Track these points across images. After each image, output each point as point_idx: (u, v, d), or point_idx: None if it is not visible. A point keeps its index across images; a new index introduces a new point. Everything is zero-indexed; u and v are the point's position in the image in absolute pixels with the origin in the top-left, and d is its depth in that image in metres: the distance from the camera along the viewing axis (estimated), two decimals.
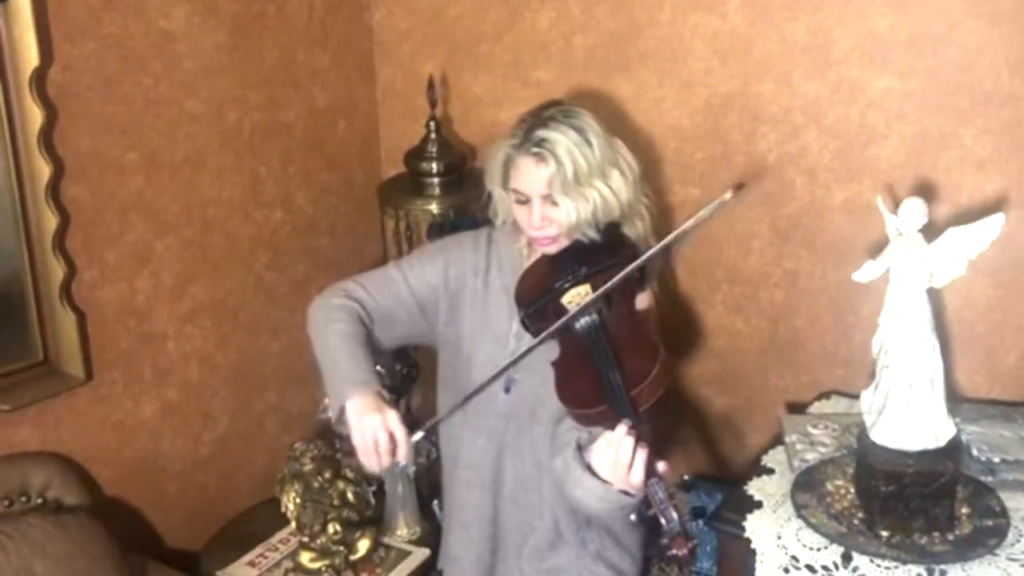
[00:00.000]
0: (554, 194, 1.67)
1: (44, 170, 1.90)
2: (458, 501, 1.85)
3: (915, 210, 1.55)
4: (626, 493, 1.50)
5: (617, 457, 1.48)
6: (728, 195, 1.61)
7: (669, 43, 2.20)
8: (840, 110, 2.05)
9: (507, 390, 1.74)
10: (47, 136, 1.90)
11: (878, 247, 1.63)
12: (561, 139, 1.67)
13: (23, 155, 1.89)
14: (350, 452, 2.23)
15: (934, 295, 1.62)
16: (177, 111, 2.17)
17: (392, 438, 1.58)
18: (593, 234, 1.71)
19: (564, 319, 1.60)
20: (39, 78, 1.87)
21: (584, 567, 1.78)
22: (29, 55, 1.84)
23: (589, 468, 1.52)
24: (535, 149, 1.68)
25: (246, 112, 2.31)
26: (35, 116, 1.87)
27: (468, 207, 2.27)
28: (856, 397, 1.75)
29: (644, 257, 1.64)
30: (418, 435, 1.62)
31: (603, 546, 1.79)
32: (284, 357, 2.49)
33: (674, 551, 1.46)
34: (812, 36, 2.04)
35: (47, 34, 1.88)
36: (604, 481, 1.50)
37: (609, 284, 1.60)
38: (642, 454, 1.47)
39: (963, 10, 1.89)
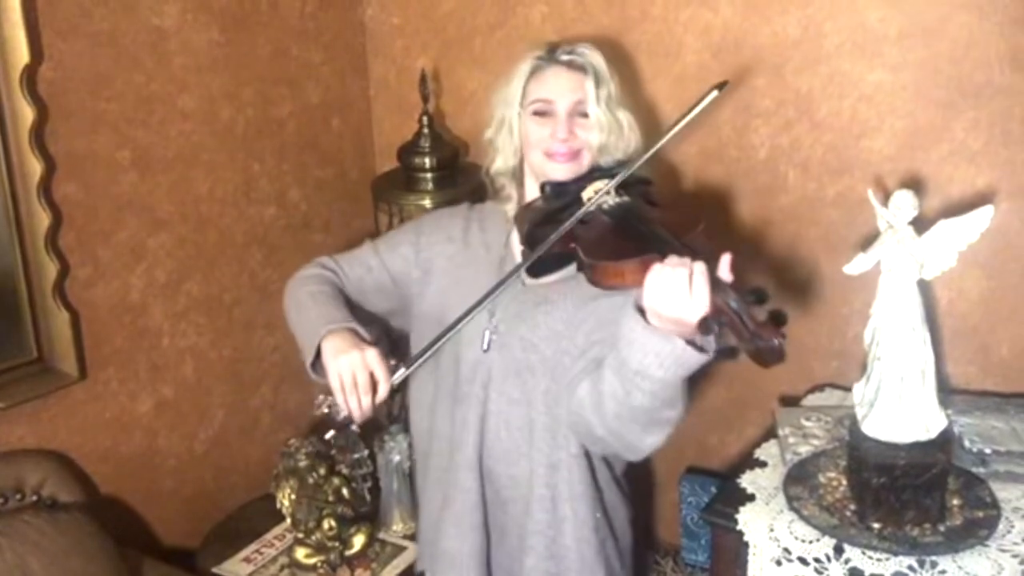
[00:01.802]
0: (588, 104, 1.63)
1: (36, 168, 1.90)
2: (447, 489, 1.72)
3: (905, 202, 1.55)
4: (692, 344, 1.35)
5: (672, 280, 1.30)
6: (714, 93, 1.55)
7: (661, 37, 2.20)
8: (832, 103, 2.06)
9: (486, 349, 1.65)
10: (38, 134, 1.89)
11: (870, 240, 1.64)
12: (595, 55, 1.67)
13: (14, 153, 1.89)
14: (344, 448, 2.26)
15: (925, 287, 1.62)
16: (169, 108, 2.16)
17: (372, 376, 1.50)
18: (610, 162, 1.66)
19: (595, 200, 1.51)
20: (30, 76, 1.86)
21: (587, 553, 1.68)
22: (19, 53, 1.84)
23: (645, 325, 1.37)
24: (567, 57, 1.67)
25: (239, 108, 2.31)
26: (26, 114, 1.87)
27: (461, 202, 2.26)
28: (849, 389, 1.75)
29: (654, 149, 1.59)
30: (401, 372, 1.53)
31: (607, 535, 1.72)
32: (279, 353, 2.50)
33: (773, 341, 1.27)
34: (804, 30, 2.05)
35: (37, 31, 1.88)
36: (662, 337, 1.35)
37: (630, 169, 1.54)
38: (700, 267, 1.30)
39: (954, 3, 1.89)
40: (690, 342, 1.35)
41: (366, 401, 1.51)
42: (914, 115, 1.98)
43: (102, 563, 1.92)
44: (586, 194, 1.61)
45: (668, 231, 1.44)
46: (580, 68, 1.66)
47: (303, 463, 2.17)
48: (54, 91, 1.93)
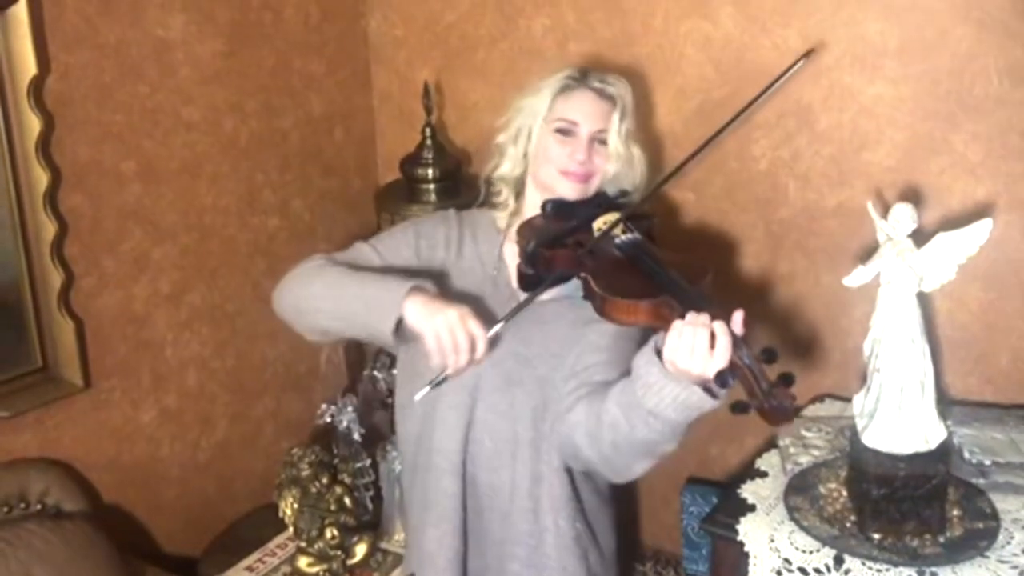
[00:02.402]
0: (609, 134, 1.70)
1: (42, 178, 1.92)
2: (429, 493, 1.73)
3: (904, 215, 1.56)
4: (707, 391, 1.40)
5: (694, 339, 1.36)
6: (801, 61, 1.65)
7: (662, 50, 2.21)
8: (832, 116, 2.07)
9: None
10: (45, 145, 1.91)
11: (871, 251, 1.65)
12: (625, 88, 1.74)
13: (21, 164, 1.90)
14: (347, 456, 2.27)
15: (925, 299, 1.63)
16: (174, 119, 2.18)
17: (470, 334, 1.50)
18: (614, 192, 1.74)
19: (606, 231, 1.57)
20: (37, 87, 1.88)
21: (568, 563, 1.70)
22: (27, 64, 1.86)
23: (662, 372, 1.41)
24: (599, 85, 1.73)
25: (243, 120, 2.33)
26: (33, 125, 1.88)
27: None
28: (850, 400, 1.76)
29: (694, 153, 1.67)
30: (497, 327, 1.53)
31: (588, 545, 1.74)
32: (282, 363, 2.51)
33: (784, 402, 1.35)
34: (804, 42, 2.06)
35: (44, 43, 1.90)
36: (679, 382, 1.40)
37: (651, 191, 1.64)
38: (722, 327, 1.36)
39: (953, 16, 1.91)
40: (705, 388, 1.41)
41: (465, 359, 1.51)
42: (914, 127, 2.00)
43: (105, 572, 1.93)
44: (596, 223, 1.66)
45: (681, 276, 1.49)
46: (609, 98, 1.73)
47: (305, 472, 2.18)
48: (60, 102, 1.95)
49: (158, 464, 2.27)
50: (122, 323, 2.14)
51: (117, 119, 2.07)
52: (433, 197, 2.36)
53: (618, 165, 1.73)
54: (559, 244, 1.60)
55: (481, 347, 1.51)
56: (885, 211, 1.61)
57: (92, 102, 2.02)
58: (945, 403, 1.91)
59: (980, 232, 1.57)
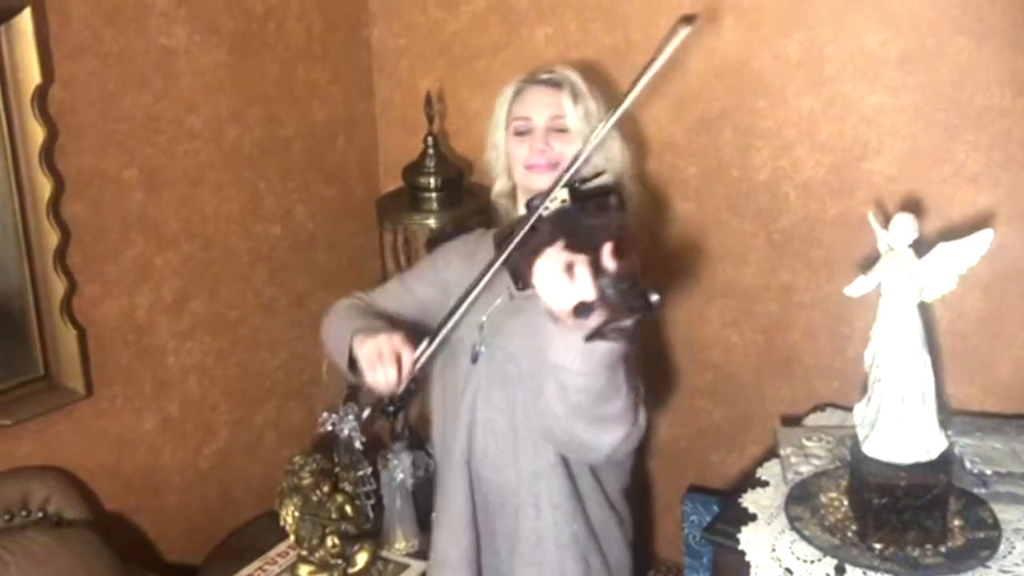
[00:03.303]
0: (567, 118, 1.70)
1: (45, 186, 1.92)
2: (444, 494, 1.80)
3: (905, 225, 1.56)
4: (583, 311, 1.32)
5: (550, 268, 1.34)
6: (683, 30, 1.50)
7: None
8: (833, 125, 2.08)
9: (474, 360, 1.71)
10: (48, 153, 1.92)
11: (872, 261, 1.65)
12: (574, 75, 1.74)
13: (24, 172, 1.91)
14: (348, 465, 2.27)
15: (926, 309, 1.63)
16: (177, 128, 2.19)
17: (397, 352, 1.58)
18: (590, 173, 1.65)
19: (537, 210, 1.52)
20: (41, 95, 1.89)
21: (568, 565, 1.71)
22: (31, 73, 1.86)
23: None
24: (547, 76, 1.75)
25: (246, 128, 2.34)
26: (36, 133, 1.89)
27: (465, 221, 2.29)
28: (851, 409, 1.75)
29: (617, 112, 1.53)
30: (423, 344, 1.60)
31: (589, 551, 1.74)
32: (283, 371, 2.51)
33: (622, 321, 1.28)
34: (805, 52, 2.07)
35: (48, 52, 1.91)
36: (562, 326, 1.38)
37: (576, 163, 1.51)
38: (581, 258, 1.32)
39: (953, 27, 1.91)
40: (600, 334, 1.33)
41: (392, 373, 1.58)
42: (915, 137, 2.00)
43: None
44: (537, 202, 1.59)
45: (595, 232, 1.42)
46: (557, 84, 1.74)
47: (307, 480, 2.18)
48: (64, 111, 1.96)
49: (159, 472, 2.27)
50: (124, 331, 2.15)
51: (120, 127, 2.08)
52: (435, 205, 2.37)
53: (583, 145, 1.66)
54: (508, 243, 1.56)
55: (407, 360, 1.59)
56: (886, 221, 1.62)
57: (96, 110, 2.03)
58: (946, 413, 1.91)
59: (981, 242, 1.57)
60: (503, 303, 1.71)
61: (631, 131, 2.28)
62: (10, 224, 1.92)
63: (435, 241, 2.41)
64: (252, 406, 2.47)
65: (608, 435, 1.53)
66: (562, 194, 1.56)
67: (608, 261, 1.32)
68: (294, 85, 2.44)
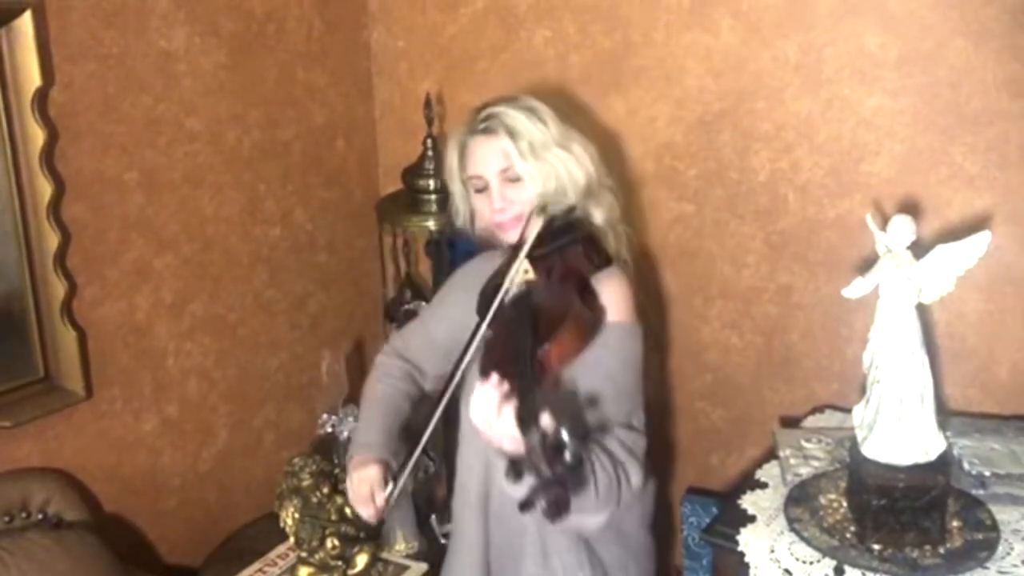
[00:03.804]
0: (514, 165, 1.64)
1: (45, 189, 1.92)
2: (459, 527, 1.83)
3: (903, 227, 1.57)
4: (513, 467, 1.30)
5: (483, 401, 1.35)
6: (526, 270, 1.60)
7: (663, 62, 2.23)
8: (832, 127, 2.08)
9: None
10: (48, 155, 1.92)
11: (870, 263, 1.65)
12: (510, 112, 1.66)
13: (25, 174, 1.91)
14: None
15: (925, 310, 1.64)
16: (177, 130, 2.19)
17: (370, 492, 1.70)
18: (560, 208, 1.64)
19: (500, 295, 1.55)
20: (41, 98, 1.89)
21: None
22: (31, 75, 1.86)
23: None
24: (483, 125, 1.67)
25: (245, 130, 2.34)
26: (37, 135, 1.89)
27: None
28: (850, 411, 1.76)
29: (528, 242, 1.60)
30: (388, 487, 1.73)
31: None
32: (283, 373, 2.51)
33: (541, 500, 1.25)
34: (804, 54, 2.07)
35: (49, 55, 1.91)
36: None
37: (522, 253, 1.56)
38: (507, 406, 1.32)
39: (951, 29, 1.92)
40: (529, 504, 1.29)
41: (369, 512, 1.71)
42: (913, 139, 2.01)
43: None
44: (508, 275, 1.60)
45: (536, 339, 1.45)
46: (494, 132, 1.66)
47: (306, 482, 2.18)
48: (64, 113, 1.96)
49: (159, 474, 2.27)
50: (124, 333, 2.15)
51: (120, 130, 2.08)
52: (434, 208, 2.37)
53: (539, 186, 1.64)
54: (488, 302, 1.60)
55: (379, 498, 1.70)
56: (884, 223, 1.62)
57: (95, 113, 2.03)
58: (945, 414, 1.91)
59: (979, 244, 1.58)
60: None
61: (629, 136, 2.30)
62: (10, 226, 1.92)
63: (434, 244, 2.42)
64: (252, 408, 2.47)
65: (590, 521, 1.52)
66: (524, 264, 1.59)
67: (546, 421, 1.25)
68: (294, 87, 2.44)
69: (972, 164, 1.96)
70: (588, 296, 1.58)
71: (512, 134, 1.65)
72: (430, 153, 2.38)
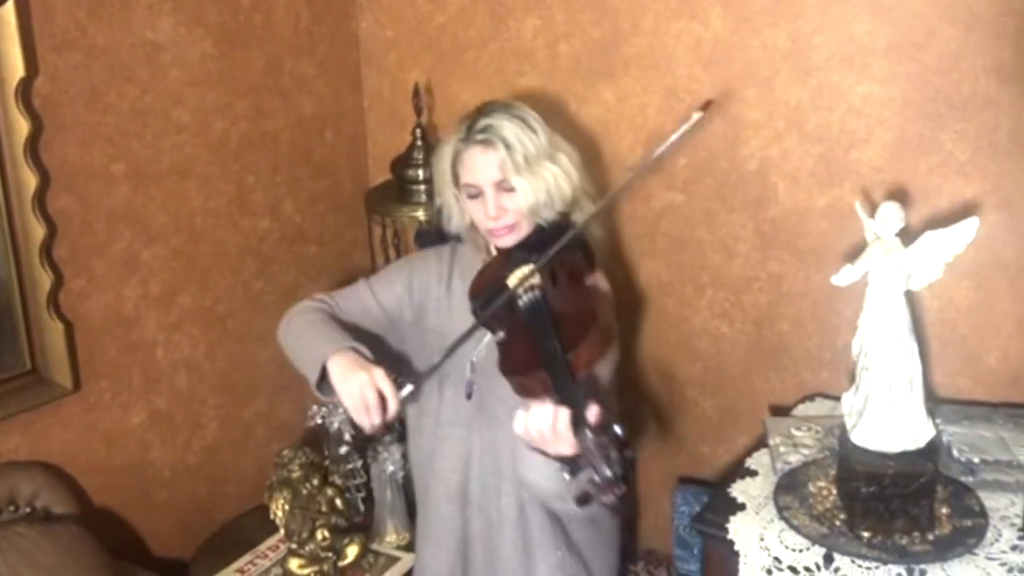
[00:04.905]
0: (509, 178, 1.69)
1: (30, 180, 1.91)
2: (430, 515, 1.84)
3: (891, 214, 1.57)
4: (567, 464, 1.42)
5: (540, 422, 1.42)
6: (696, 115, 1.61)
7: (652, 50, 2.22)
8: (821, 115, 2.07)
9: (469, 396, 1.71)
10: (33, 146, 1.91)
11: (859, 250, 1.65)
12: (505, 123, 1.70)
13: (9, 166, 1.90)
14: (338, 459, 2.27)
15: (914, 298, 1.64)
16: (164, 121, 2.18)
17: (381, 394, 1.58)
18: (550, 216, 1.72)
19: (505, 295, 1.60)
20: (25, 89, 1.88)
21: None
22: (14, 66, 1.85)
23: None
24: (480, 136, 1.71)
25: (233, 121, 2.33)
26: (21, 127, 1.88)
27: None
28: (839, 399, 1.76)
29: (591, 214, 1.69)
30: (407, 389, 1.63)
31: (577, 573, 1.76)
32: (273, 365, 2.50)
33: (603, 498, 1.37)
34: (793, 42, 2.07)
35: (32, 45, 1.89)
36: (546, 455, 1.45)
37: (547, 255, 1.61)
38: (564, 414, 1.41)
39: (940, 17, 1.91)
40: (585, 498, 1.40)
41: (378, 418, 1.59)
42: (902, 127, 2.00)
43: (95, 575, 1.92)
44: (511, 280, 1.65)
45: (563, 343, 1.50)
46: (491, 145, 1.69)
47: (296, 474, 2.18)
48: (49, 104, 1.95)
49: (148, 466, 2.26)
50: (112, 325, 2.14)
51: (106, 121, 2.07)
52: (423, 198, 2.36)
53: (532, 197, 1.69)
54: (490, 304, 1.64)
55: (392, 406, 1.59)
56: (873, 210, 1.62)
57: (81, 104, 2.01)
58: (934, 401, 1.92)
59: (967, 231, 1.58)
60: (491, 342, 1.68)
61: (619, 125, 2.29)
62: None
63: (424, 234, 2.41)
64: (241, 400, 2.46)
65: (581, 507, 1.54)
66: (528, 269, 1.64)
67: (593, 419, 1.39)
68: (281, 78, 2.43)
69: (962, 151, 1.95)
70: (599, 301, 1.66)
71: (508, 147, 1.69)
72: (419, 143, 2.37)
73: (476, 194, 1.72)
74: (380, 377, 1.59)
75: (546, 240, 1.67)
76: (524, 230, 1.73)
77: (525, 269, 1.64)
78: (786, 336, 2.23)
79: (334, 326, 1.74)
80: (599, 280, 1.78)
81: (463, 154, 1.73)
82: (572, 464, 1.41)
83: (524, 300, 1.62)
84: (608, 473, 1.35)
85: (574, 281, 1.68)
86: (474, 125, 1.72)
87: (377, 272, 1.97)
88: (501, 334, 1.60)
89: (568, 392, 1.43)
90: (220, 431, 2.41)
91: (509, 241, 1.73)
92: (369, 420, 1.59)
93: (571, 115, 2.32)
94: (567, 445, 1.41)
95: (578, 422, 1.40)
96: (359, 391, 1.58)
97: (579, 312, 1.58)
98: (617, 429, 1.37)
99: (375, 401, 1.58)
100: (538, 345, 1.52)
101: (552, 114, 1.86)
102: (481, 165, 1.70)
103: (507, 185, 1.69)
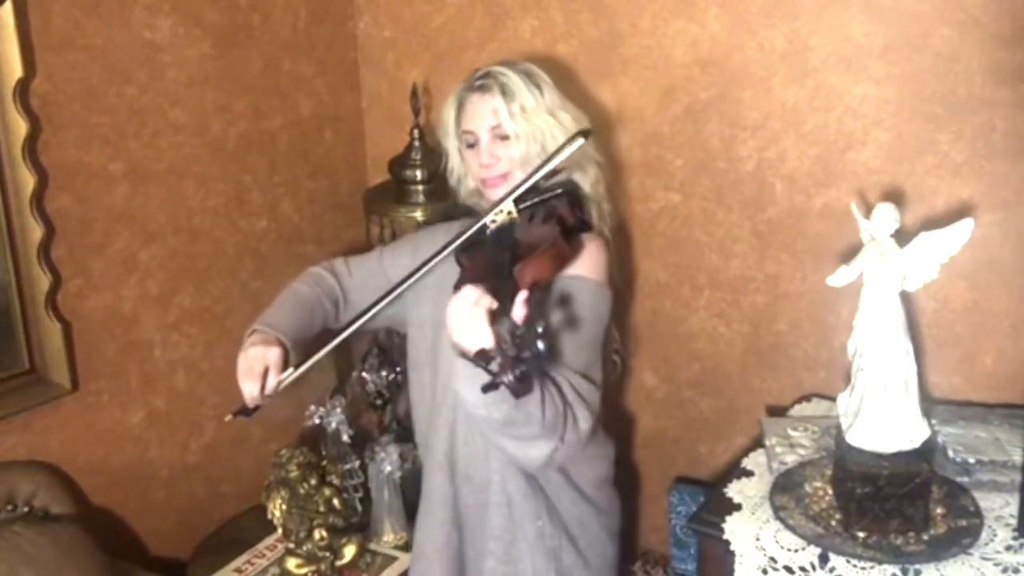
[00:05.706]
0: (503, 124, 1.71)
1: (28, 181, 1.91)
2: (426, 487, 1.86)
3: (887, 215, 1.57)
4: (484, 360, 1.34)
5: (460, 302, 1.40)
6: (580, 140, 1.66)
7: (650, 51, 2.22)
8: (818, 116, 2.08)
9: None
10: (31, 147, 1.91)
11: (854, 251, 1.66)
12: (507, 72, 1.74)
13: (7, 166, 1.90)
14: (336, 458, 2.27)
15: (910, 299, 1.64)
16: (162, 121, 2.18)
17: (265, 368, 1.68)
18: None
19: (479, 224, 1.63)
20: (23, 89, 1.88)
21: (538, 561, 1.75)
22: (12, 66, 1.85)
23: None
24: (479, 83, 1.74)
25: (231, 121, 2.33)
26: (19, 127, 1.88)
27: (452, 213, 2.28)
28: (836, 399, 1.77)
29: (539, 170, 1.68)
30: (288, 372, 1.71)
31: (560, 545, 1.76)
32: None
33: (503, 378, 1.30)
34: (790, 44, 2.07)
35: (31, 45, 1.90)
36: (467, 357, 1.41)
37: (523, 187, 1.64)
38: (485, 299, 1.38)
39: (936, 18, 1.92)
40: (493, 385, 1.35)
41: (254, 388, 1.68)
42: (899, 128, 2.01)
43: (93, 574, 1.93)
44: (491, 213, 1.68)
45: (514, 257, 1.51)
46: (489, 89, 1.73)
47: (294, 473, 2.18)
48: (47, 104, 1.95)
49: (147, 466, 2.27)
50: (110, 325, 2.14)
51: (104, 121, 2.07)
52: (421, 198, 2.37)
53: (523, 146, 1.71)
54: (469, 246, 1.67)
55: (271, 380, 1.69)
56: (870, 211, 1.62)
57: (79, 104, 2.02)
58: (929, 402, 1.92)
59: (962, 232, 1.58)
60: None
61: (617, 125, 2.29)
62: None
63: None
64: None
65: (534, 450, 1.56)
66: (508, 206, 1.66)
67: (518, 308, 1.36)
68: (280, 78, 2.43)
69: (958, 152, 1.96)
70: (570, 235, 1.64)
71: (505, 93, 1.72)
72: (417, 143, 2.37)
73: (473, 143, 1.75)
74: (270, 354, 1.69)
75: (543, 190, 1.68)
76: (516, 181, 1.73)
77: (503, 205, 1.67)
78: (783, 336, 2.23)
79: (296, 306, 1.83)
80: (590, 243, 1.71)
81: (465, 101, 1.76)
82: (488, 360, 1.34)
83: (491, 227, 1.65)
84: (512, 353, 1.30)
85: (551, 220, 1.66)
86: (475, 73, 1.76)
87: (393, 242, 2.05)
88: (464, 261, 1.63)
89: (502, 293, 1.41)
90: (218, 431, 2.41)
91: (501, 192, 1.73)
92: (248, 389, 1.69)
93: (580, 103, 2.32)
94: (483, 334, 1.36)
95: (499, 314, 1.36)
96: (246, 360, 1.70)
97: (540, 235, 1.57)
98: (539, 328, 1.30)
99: (258, 370, 1.68)
100: (490, 260, 1.54)
101: None
102: (478, 110, 1.73)
103: (501, 132, 1.71)
